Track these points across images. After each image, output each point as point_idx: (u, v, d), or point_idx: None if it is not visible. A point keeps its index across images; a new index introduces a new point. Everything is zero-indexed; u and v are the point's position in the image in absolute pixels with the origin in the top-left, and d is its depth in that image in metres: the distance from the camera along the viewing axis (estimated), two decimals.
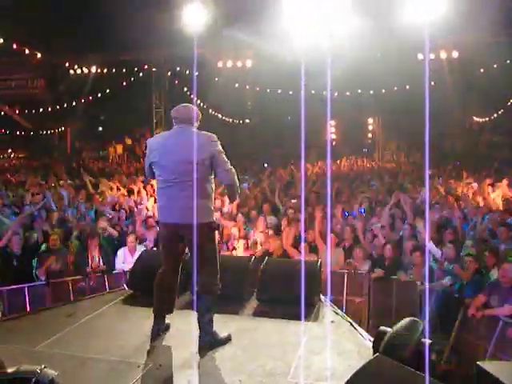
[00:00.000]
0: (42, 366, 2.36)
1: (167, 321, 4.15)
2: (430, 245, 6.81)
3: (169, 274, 4.02)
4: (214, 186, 3.92)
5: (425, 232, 7.04)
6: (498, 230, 7.31)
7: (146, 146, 4.05)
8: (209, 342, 3.86)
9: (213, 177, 3.87)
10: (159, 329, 4.04)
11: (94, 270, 6.94)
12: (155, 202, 8.82)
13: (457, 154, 21.07)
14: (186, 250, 4.07)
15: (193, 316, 4.01)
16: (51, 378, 2.33)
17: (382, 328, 3.38)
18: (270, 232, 7.87)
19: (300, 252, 7.17)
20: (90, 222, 8.53)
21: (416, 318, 3.34)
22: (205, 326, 3.87)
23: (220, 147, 3.84)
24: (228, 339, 3.98)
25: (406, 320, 3.32)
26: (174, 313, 4.22)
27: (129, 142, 26.40)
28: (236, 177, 3.90)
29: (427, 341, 3.13)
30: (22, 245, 7.13)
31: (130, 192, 10.85)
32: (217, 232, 4.05)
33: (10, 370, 2.38)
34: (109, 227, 8.06)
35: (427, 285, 6.12)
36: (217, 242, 4.07)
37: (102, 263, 7.18)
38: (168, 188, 3.82)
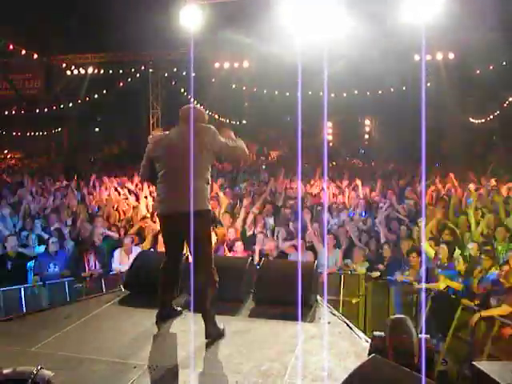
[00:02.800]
0: (39, 367, 2.35)
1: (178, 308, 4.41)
2: (425, 245, 6.83)
3: (173, 265, 4.17)
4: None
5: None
6: (496, 231, 7.31)
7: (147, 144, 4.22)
8: (216, 336, 3.98)
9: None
10: (167, 313, 4.26)
11: (89, 274, 6.92)
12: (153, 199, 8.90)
13: (453, 155, 21.11)
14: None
15: (189, 317, 4.01)
16: (47, 379, 2.33)
17: (377, 333, 3.37)
18: (267, 232, 7.89)
19: (296, 249, 7.20)
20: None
21: (403, 316, 3.32)
22: (212, 320, 3.97)
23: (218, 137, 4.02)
24: (223, 330, 4.09)
25: (397, 319, 3.29)
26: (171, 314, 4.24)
27: (125, 144, 26.41)
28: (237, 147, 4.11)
29: (424, 336, 3.13)
30: (17, 247, 7.13)
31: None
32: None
33: (5, 371, 2.37)
34: (108, 231, 8.04)
35: (423, 286, 6.14)
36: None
37: (98, 267, 7.15)
38: (171, 178, 3.96)
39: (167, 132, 4.23)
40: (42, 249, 7.39)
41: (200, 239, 3.90)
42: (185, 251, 4.39)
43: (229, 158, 4.27)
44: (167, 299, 4.27)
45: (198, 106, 4.50)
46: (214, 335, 3.97)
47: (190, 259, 4.04)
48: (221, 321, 4.27)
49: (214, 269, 4.04)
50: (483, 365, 3.07)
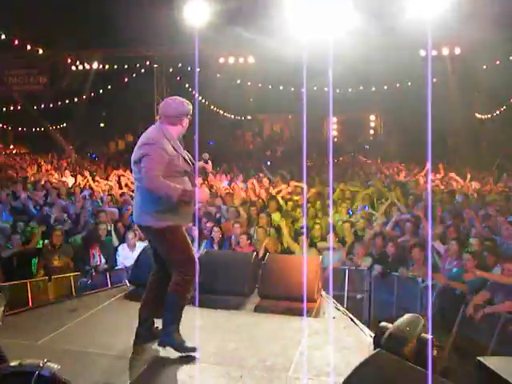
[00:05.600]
0: (45, 360, 2.37)
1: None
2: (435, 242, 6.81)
3: (156, 275, 3.92)
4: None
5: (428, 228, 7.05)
6: (501, 228, 7.28)
7: None
8: (166, 344, 3.67)
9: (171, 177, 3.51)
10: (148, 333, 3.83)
11: (94, 268, 6.95)
12: None
13: (459, 151, 21.04)
14: None
15: (193, 311, 4.02)
16: (53, 372, 2.35)
17: (383, 324, 3.38)
18: (270, 228, 7.89)
19: (300, 246, 7.20)
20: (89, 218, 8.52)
21: (417, 314, 3.33)
22: (164, 326, 3.68)
23: (148, 150, 3.48)
24: (191, 351, 3.63)
25: (407, 316, 3.32)
26: None
27: (130, 138, 26.41)
28: (158, 185, 3.44)
29: (429, 336, 3.12)
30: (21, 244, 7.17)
31: None
32: (175, 235, 3.62)
33: (12, 364, 2.40)
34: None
35: (430, 281, 6.11)
36: (179, 243, 3.66)
37: (103, 262, 7.17)
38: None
39: None
40: (46, 242, 7.41)
41: (159, 250, 3.77)
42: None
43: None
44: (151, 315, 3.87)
45: (178, 97, 3.71)
46: (162, 343, 3.68)
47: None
48: (226, 315, 4.28)
49: (184, 279, 3.64)
50: (488, 360, 3.07)
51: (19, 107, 21.00)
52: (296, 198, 9.81)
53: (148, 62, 19.23)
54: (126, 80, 19.99)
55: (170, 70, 19.95)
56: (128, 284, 5.37)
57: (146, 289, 3.93)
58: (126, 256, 7.26)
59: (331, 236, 7.28)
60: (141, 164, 3.49)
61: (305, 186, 10.15)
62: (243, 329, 4.19)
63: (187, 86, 20.13)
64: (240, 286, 4.89)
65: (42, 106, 20.71)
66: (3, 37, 15.07)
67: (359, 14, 11.23)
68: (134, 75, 19.77)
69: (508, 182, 11.10)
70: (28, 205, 9.19)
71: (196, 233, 6.91)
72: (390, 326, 3.29)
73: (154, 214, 3.58)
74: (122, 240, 7.70)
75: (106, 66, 19.00)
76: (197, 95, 15.60)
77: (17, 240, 7.22)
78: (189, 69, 18.99)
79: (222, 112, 25.96)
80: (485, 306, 5.54)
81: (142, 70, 19.55)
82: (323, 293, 5.03)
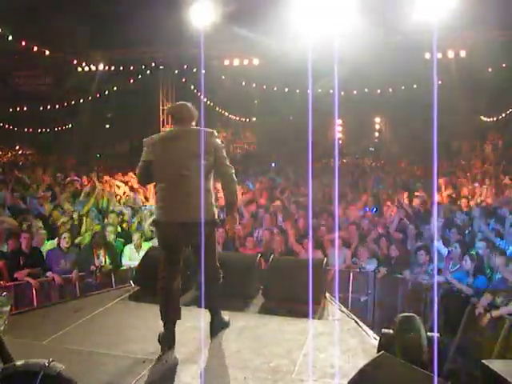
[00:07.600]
0: (50, 360, 2.38)
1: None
2: (438, 243, 6.79)
3: (174, 277, 3.88)
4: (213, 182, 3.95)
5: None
6: (506, 232, 7.26)
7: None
8: (220, 325, 4.11)
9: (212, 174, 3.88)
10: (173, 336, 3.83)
11: (98, 268, 6.95)
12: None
13: (464, 154, 20.96)
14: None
15: (198, 312, 4.03)
16: (58, 372, 2.36)
17: (385, 330, 3.37)
18: (275, 230, 7.88)
19: (305, 248, 7.19)
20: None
21: (412, 314, 3.30)
22: (217, 310, 4.10)
23: (220, 142, 3.91)
24: (228, 322, 4.24)
25: (403, 316, 3.28)
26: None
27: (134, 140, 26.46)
28: (234, 175, 3.89)
29: (435, 334, 3.11)
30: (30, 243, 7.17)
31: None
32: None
33: (18, 363, 2.41)
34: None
35: (435, 283, 6.10)
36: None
37: (107, 263, 7.16)
38: (174, 185, 3.73)
39: (162, 134, 4.13)
40: (53, 244, 7.41)
41: (204, 247, 3.75)
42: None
43: (224, 177, 3.88)
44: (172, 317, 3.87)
45: (189, 103, 3.98)
46: (220, 326, 4.10)
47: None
48: (230, 317, 4.29)
49: (218, 266, 4.04)
50: (493, 364, 3.05)
51: (25, 108, 21.08)
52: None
53: (153, 64, 19.28)
54: (131, 81, 20.05)
55: (176, 71, 19.97)
56: (132, 285, 5.38)
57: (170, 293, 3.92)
58: (132, 257, 7.28)
59: (337, 237, 7.27)
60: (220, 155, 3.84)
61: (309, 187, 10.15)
62: (247, 330, 4.19)
63: (192, 87, 20.15)
64: (244, 288, 4.89)
65: (48, 107, 20.78)
66: (10, 38, 15.13)
67: (365, 17, 11.22)
68: (140, 76, 19.82)
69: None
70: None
71: None
72: (391, 331, 3.26)
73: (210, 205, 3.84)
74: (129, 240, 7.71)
75: (112, 67, 19.07)
76: (202, 97, 15.59)
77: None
78: (194, 70, 19.01)
79: (226, 114, 25.97)
80: (489, 310, 5.52)
81: (148, 72, 19.59)
82: (327, 295, 5.02)
